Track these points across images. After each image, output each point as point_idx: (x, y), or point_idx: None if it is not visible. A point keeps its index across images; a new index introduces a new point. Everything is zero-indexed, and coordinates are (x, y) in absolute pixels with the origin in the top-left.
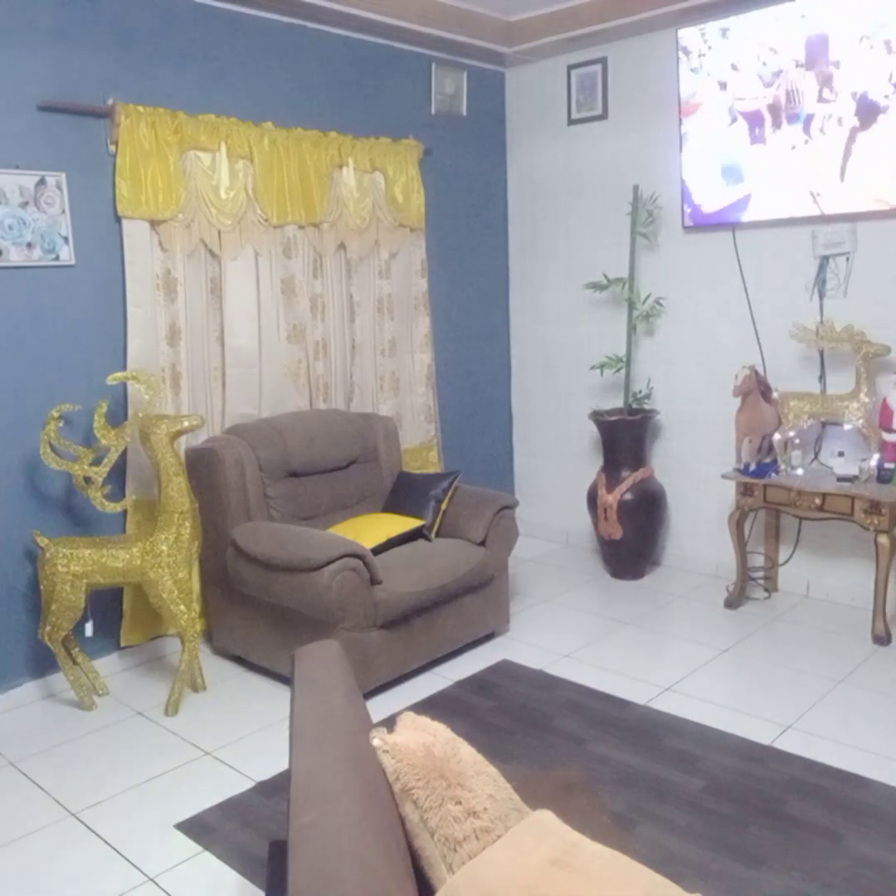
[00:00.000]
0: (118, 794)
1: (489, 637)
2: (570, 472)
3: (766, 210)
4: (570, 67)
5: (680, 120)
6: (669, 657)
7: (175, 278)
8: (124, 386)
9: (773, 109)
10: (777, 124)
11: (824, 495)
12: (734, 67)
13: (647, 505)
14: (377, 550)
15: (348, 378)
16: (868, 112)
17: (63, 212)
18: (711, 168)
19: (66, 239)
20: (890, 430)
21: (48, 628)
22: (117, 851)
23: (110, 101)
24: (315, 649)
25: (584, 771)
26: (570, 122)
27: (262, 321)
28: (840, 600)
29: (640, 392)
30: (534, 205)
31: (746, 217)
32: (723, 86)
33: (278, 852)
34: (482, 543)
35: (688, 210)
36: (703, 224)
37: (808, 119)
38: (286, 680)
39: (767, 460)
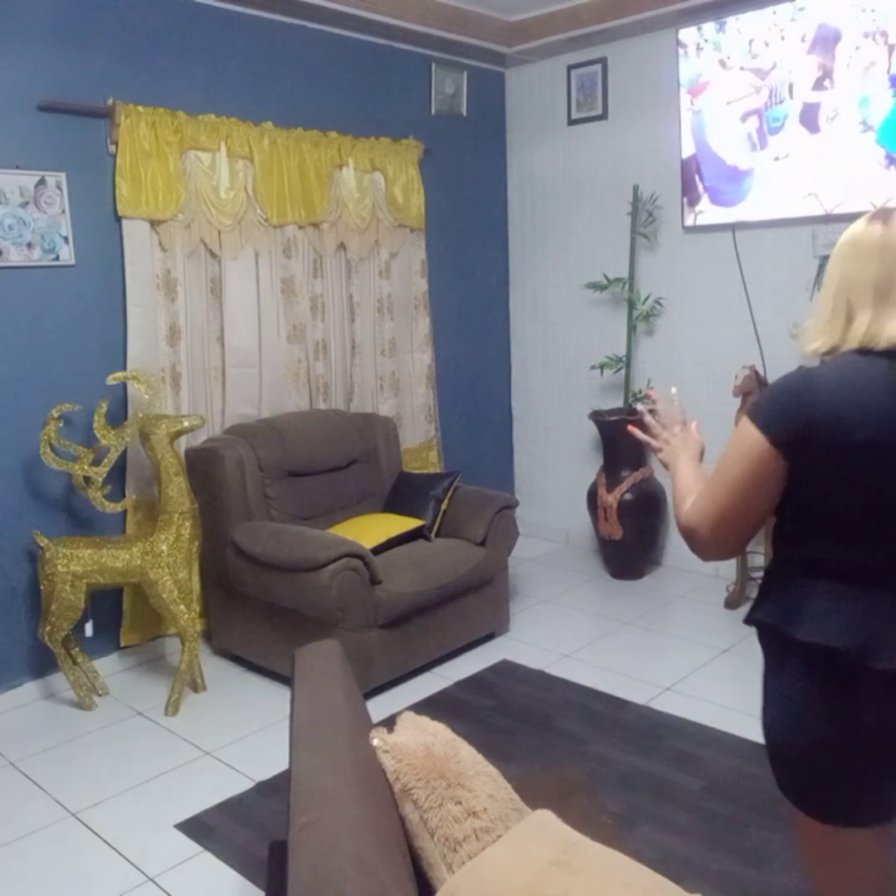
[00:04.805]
0: (118, 794)
1: (489, 637)
2: (570, 472)
3: (766, 210)
4: (570, 67)
5: (679, 115)
6: (669, 657)
7: (175, 278)
8: (124, 386)
9: (771, 107)
10: (776, 123)
11: None
12: (727, 65)
13: (647, 505)
14: (377, 550)
15: (348, 378)
16: (868, 110)
17: (63, 212)
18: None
19: (66, 239)
20: None
21: (48, 628)
22: (117, 851)
23: (110, 101)
24: (315, 649)
25: (584, 771)
26: (570, 122)
27: (262, 321)
28: None
29: (640, 392)
30: (534, 205)
31: (748, 209)
32: (719, 84)
33: (278, 852)
34: (482, 543)
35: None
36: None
37: (808, 118)
38: (286, 680)
39: None
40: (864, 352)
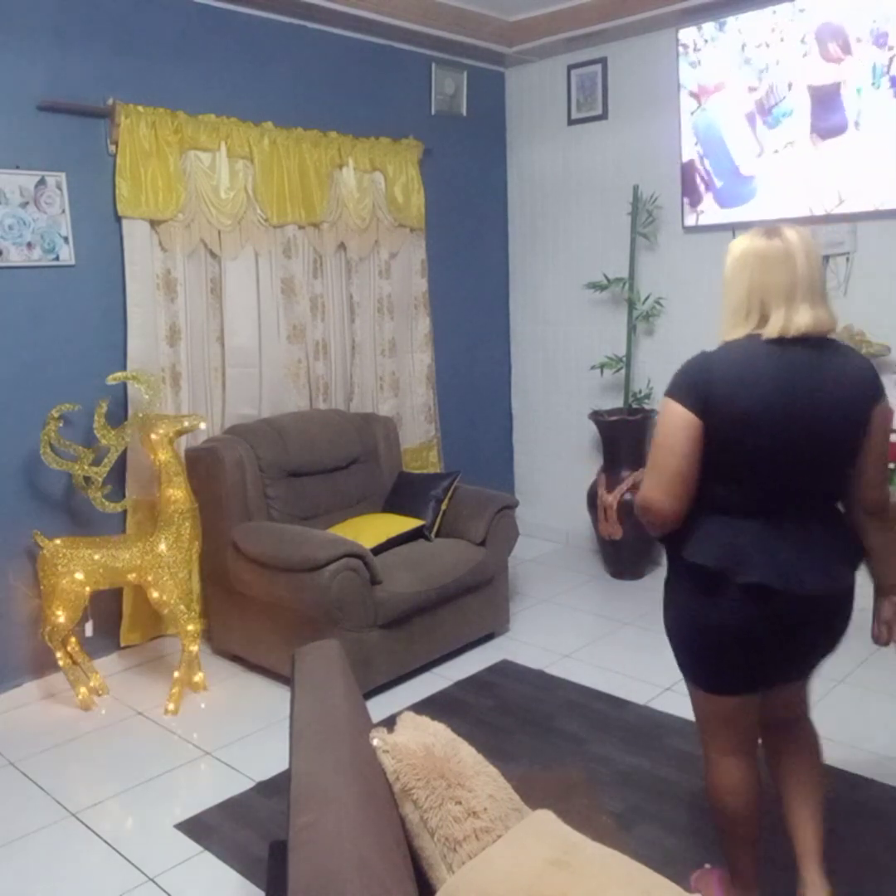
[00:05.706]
0: (118, 794)
1: (489, 637)
2: (570, 472)
3: (766, 210)
4: (570, 67)
5: (679, 115)
6: (669, 657)
7: (175, 278)
8: (124, 386)
9: (771, 107)
10: (776, 123)
11: None
12: (726, 65)
13: None
14: (377, 550)
15: (348, 378)
16: (867, 110)
17: (63, 212)
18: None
19: (66, 239)
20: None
21: (48, 628)
22: (117, 851)
23: (110, 101)
24: (315, 649)
25: (584, 771)
26: (570, 122)
27: (262, 321)
28: None
29: (640, 392)
30: (534, 205)
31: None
32: (719, 84)
33: (278, 852)
34: (482, 543)
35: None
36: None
37: (807, 118)
38: (286, 680)
39: None
40: (778, 340)
